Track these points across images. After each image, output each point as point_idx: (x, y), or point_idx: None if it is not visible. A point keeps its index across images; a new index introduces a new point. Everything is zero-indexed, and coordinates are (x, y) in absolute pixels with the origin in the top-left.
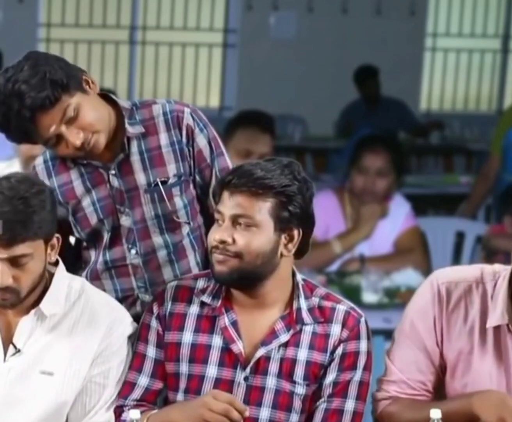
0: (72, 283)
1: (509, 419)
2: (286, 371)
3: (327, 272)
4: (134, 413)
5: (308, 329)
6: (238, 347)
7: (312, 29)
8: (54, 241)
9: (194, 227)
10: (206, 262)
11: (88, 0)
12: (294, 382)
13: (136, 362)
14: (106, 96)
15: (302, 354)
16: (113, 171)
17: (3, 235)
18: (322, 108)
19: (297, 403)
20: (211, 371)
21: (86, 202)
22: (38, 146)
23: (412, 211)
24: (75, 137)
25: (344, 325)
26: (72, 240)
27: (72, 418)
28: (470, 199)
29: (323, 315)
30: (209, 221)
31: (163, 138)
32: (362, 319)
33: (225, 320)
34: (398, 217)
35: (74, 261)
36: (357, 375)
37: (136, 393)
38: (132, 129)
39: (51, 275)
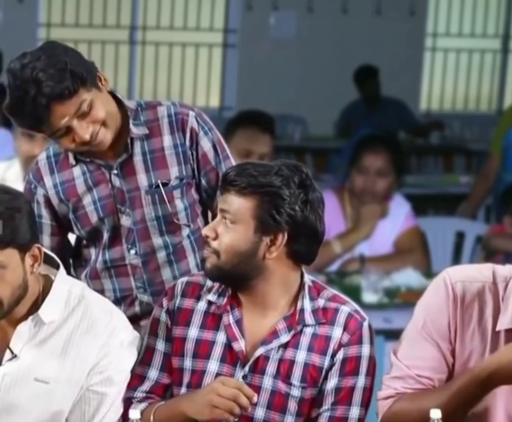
0: (72, 289)
1: None
2: (284, 372)
3: (327, 272)
4: (134, 413)
5: (308, 331)
6: (240, 345)
7: (312, 29)
8: (35, 251)
9: (194, 229)
10: None
11: (88, 0)
12: (290, 384)
13: (146, 355)
14: (113, 95)
15: (301, 356)
16: (115, 171)
17: None
18: (322, 108)
19: (292, 405)
20: (212, 366)
21: (87, 200)
22: (38, 147)
23: (412, 211)
24: (84, 131)
25: (345, 328)
26: (72, 238)
27: None
28: (470, 200)
29: (325, 316)
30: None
31: (167, 140)
32: (365, 323)
33: (229, 318)
34: (398, 217)
35: (74, 259)
36: (360, 381)
37: (146, 385)
38: (136, 130)
39: (51, 281)
